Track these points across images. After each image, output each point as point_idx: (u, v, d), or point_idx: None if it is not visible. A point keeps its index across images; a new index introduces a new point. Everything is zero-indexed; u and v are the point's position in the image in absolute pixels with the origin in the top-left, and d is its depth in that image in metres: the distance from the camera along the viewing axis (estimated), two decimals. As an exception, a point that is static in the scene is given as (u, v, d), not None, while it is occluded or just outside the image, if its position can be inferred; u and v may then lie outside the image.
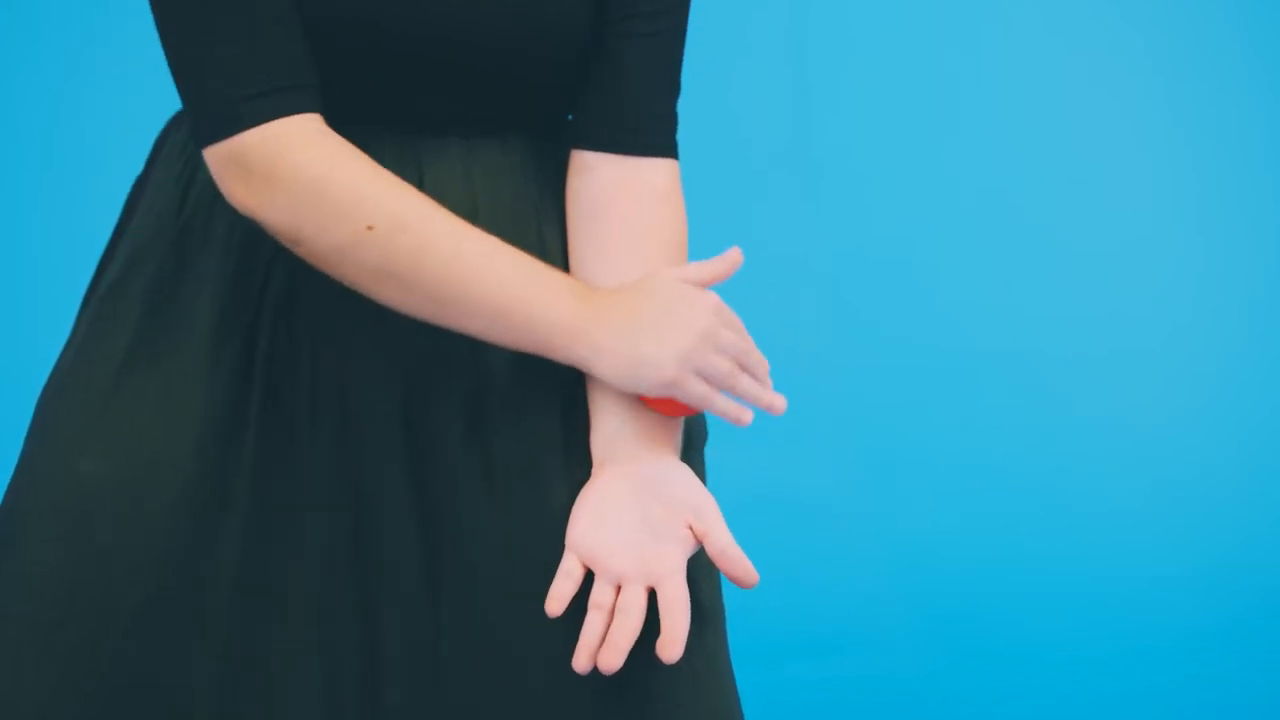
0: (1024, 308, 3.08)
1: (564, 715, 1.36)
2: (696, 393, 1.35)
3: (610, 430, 1.39)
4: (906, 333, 3.08)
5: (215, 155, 1.34)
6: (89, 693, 1.35)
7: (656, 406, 1.40)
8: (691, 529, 1.35)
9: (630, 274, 1.40)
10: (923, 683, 2.90)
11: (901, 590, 2.98)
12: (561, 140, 1.46)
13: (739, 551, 1.33)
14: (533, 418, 1.41)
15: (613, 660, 1.31)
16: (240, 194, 1.34)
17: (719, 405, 1.36)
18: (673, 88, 1.46)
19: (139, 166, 1.50)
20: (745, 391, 1.37)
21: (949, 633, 2.94)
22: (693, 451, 1.49)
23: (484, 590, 1.38)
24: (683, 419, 1.43)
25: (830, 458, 3.04)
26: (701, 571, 1.42)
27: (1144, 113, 3.13)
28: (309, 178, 1.32)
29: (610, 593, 1.33)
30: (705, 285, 1.40)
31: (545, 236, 1.44)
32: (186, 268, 1.41)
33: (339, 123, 1.37)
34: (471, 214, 1.39)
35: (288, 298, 1.39)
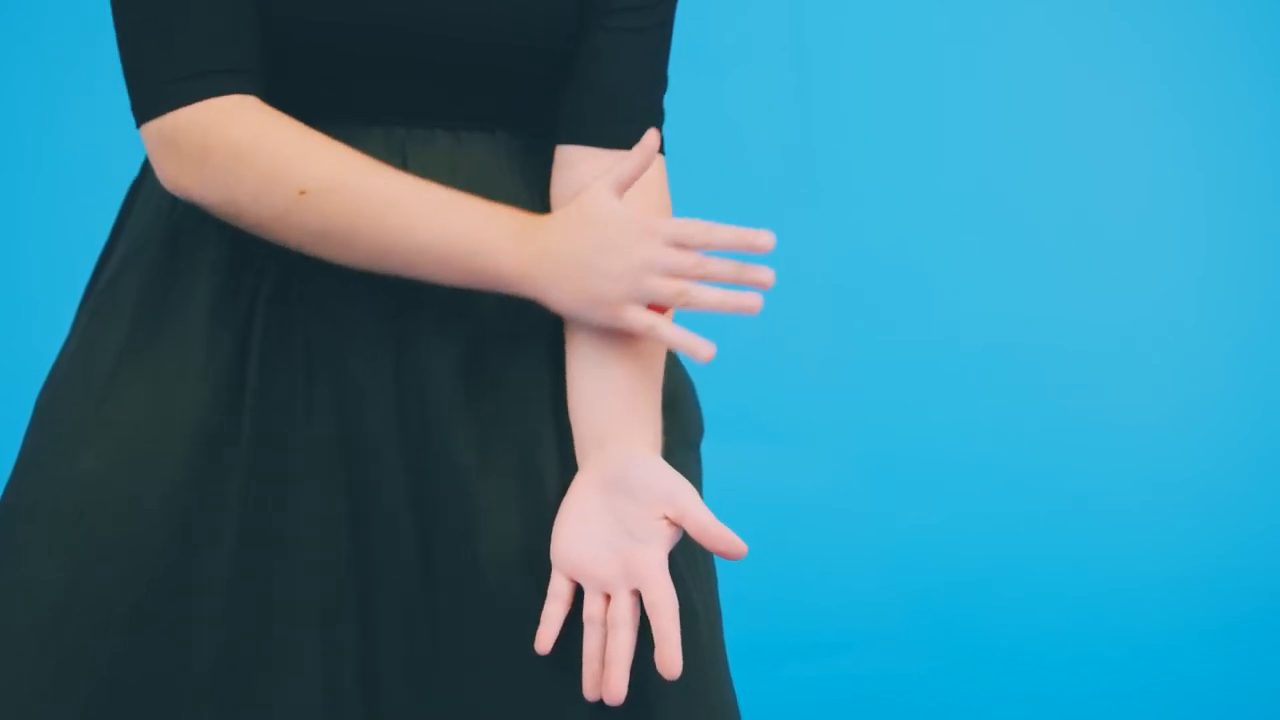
0: (1024, 308, 3.08)
1: (562, 716, 1.36)
2: (643, 323, 1.34)
3: (582, 421, 1.39)
4: (906, 333, 3.07)
5: (148, 133, 1.36)
6: (88, 692, 1.34)
7: None
8: (668, 518, 1.33)
9: None
10: (923, 682, 2.90)
11: (901, 590, 2.98)
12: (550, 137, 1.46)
13: (720, 527, 1.31)
14: (528, 408, 1.41)
15: (617, 690, 1.29)
16: (172, 173, 1.36)
17: (669, 336, 1.34)
18: (657, 82, 1.46)
19: (136, 169, 1.51)
20: (706, 304, 1.34)
21: (948, 632, 2.94)
22: (689, 449, 1.49)
23: (482, 586, 1.38)
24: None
25: (829, 457, 3.04)
26: (695, 572, 1.41)
27: (1144, 112, 3.13)
28: (239, 149, 1.34)
29: (601, 603, 1.32)
30: (632, 181, 1.36)
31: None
32: (181, 262, 1.42)
33: (325, 118, 1.38)
34: None
35: (281, 289, 1.40)
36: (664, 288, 1.34)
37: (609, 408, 1.38)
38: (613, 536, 1.33)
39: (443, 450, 1.39)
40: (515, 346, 1.42)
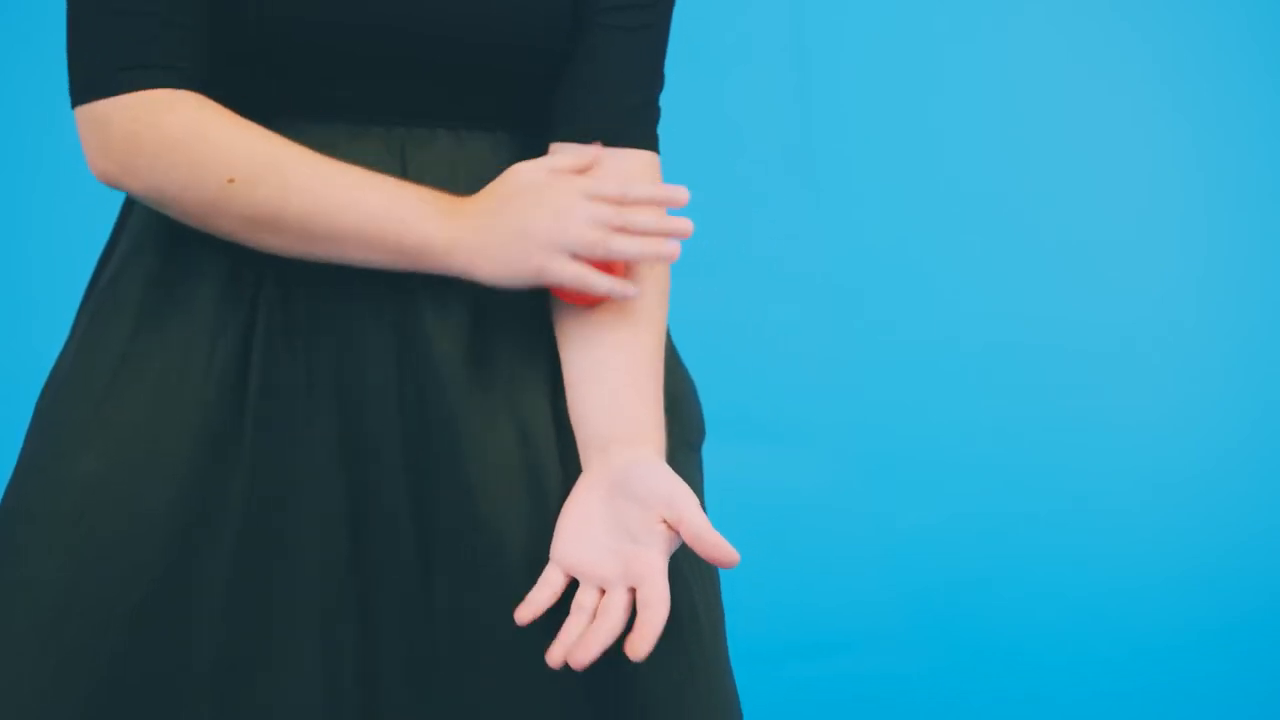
0: (1023, 307, 3.08)
1: (561, 715, 1.36)
2: (569, 274, 1.36)
3: (584, 424, 1.39)
4: (906, 333, 3.08)
5: (81, 117, 1.37)
6: (88, 693, 1.35)
7: (563, 296, 1.40)
8: (667, 522, 1.32)
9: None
10: (923, 682, 2.90)
11: (901, 590, 2.98)
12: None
13: (714, 534, 1.31)
14: (527, 409, 1.41)
15: (582, 655, 1.29)
16: (101, 161, 1.37)
17: (596, 285, 1.36)
18: (652, 81, 1.46)
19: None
20: (623, 252, 1.36)
21: (948, 632, 2.95)
22: (691, 451, 1.49)
23: (482, 586, 1.38)
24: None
25: (829, 457, 3.04)
26: (697, 572, 1.41)
27: (1144, 112, 3.13)
28: (169, 138, 1.35)
29: (594, 596, 1.32)
30: (571, 170, 1.39)
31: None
32: (182, 262, 1.42)
33: (324, 118, 1.38)
34: None
35: (283, 289, 1.40)
36: (585, 234, 1.35)
37: (610, 411, 1.38)
38: (614, 539, 1.33)
39: (444, 451, 1.39)
40: (516, 347, 1.42)
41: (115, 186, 1.38)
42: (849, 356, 3.06)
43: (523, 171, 1.38)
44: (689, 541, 1.31)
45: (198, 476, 1.37)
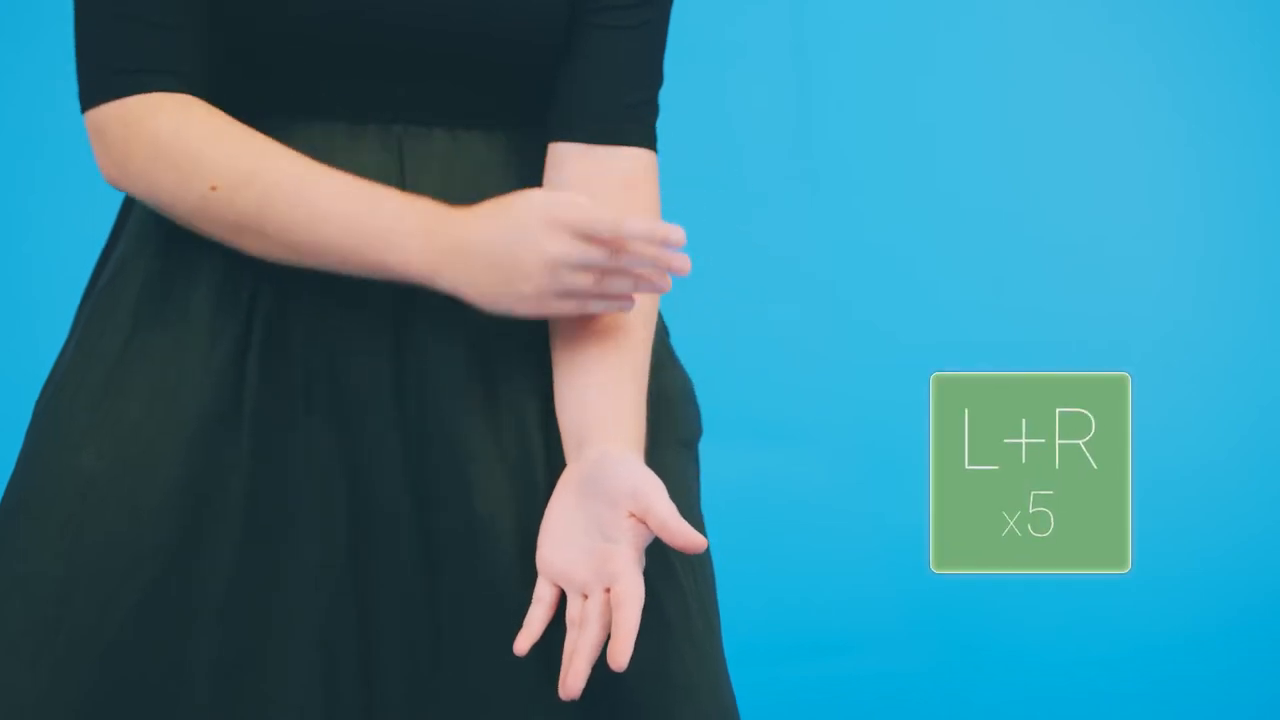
0: (1022, 307, 3.08)
1: (554, 715, 1.36)
2: (567, 310, 1.35)
3: (566, 422, 1.39)
4: (906, 333, 3.07)
5: (87, 122, 1.38)
6: (87, 688, 1.35)
7: None
8: (635, 515, 1.31)
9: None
10: (923, 682, 2.90)
11: (901, 589, 2.98)
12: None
13: (679, 522, 1.30)
14: (527, 410, 1.41)
15: (573, 686, 1.29)
16: (105, 164, 1.39)
17: (595, 310, 1.36)
18: (651, 79, 1.46)
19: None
20: (621, 293, 1.35)
21: (948, 632, 2.94)
22: (684, 448, 1.48)
23: (481, 588, 1.38)
24: None
25: (829, 457, 3.04)
26: (691, 573, 1.41)
27: (1144, 112, 3.13)
28: (158, 144, 1.35)
29: (582, 606, 1.32)
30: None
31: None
32: (180, 263, 1.42)
33: (320, 116, 1.38)
34: None
35: (280, 288, 1.40)
36: (578, 281, 1.34)
37: (588, 408, 1.38)
38: (588, 539, 1.33)
39: (443, 448, 1.39)
40: (512, 347, 1.42)
41: (120, 190, 1.40)
42: (848, 357, 3.05)
43: (515, 206, 1.35)
44: (655, 531, 1.30)
45: (196, 475, 1.38)
